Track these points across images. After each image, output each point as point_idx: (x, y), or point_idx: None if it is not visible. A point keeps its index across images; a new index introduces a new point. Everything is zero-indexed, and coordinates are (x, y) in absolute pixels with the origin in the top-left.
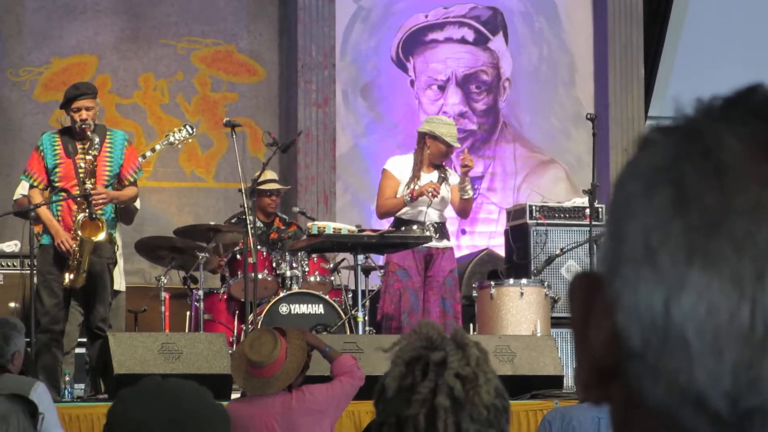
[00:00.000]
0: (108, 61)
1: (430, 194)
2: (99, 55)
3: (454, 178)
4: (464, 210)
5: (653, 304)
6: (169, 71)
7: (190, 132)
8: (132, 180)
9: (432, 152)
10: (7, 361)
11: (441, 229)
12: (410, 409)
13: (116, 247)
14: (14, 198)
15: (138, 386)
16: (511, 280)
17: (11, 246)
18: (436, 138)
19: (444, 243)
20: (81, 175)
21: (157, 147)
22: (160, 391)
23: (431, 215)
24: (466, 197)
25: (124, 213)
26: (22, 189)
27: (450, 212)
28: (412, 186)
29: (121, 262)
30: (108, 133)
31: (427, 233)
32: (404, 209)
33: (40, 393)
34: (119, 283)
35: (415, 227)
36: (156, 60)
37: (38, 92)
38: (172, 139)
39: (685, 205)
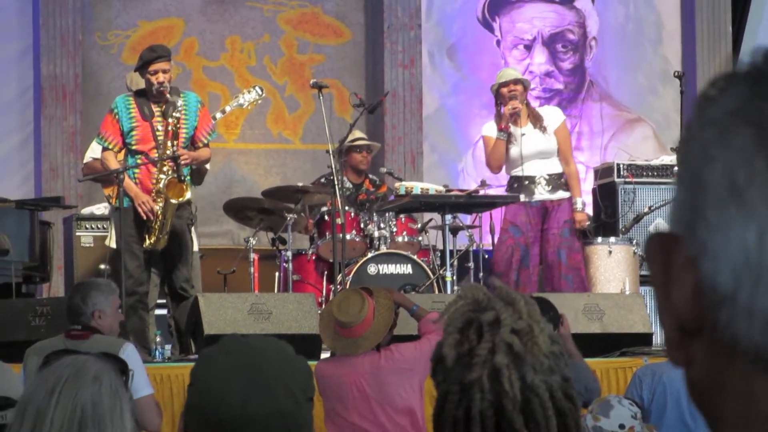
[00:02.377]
0: (195, 23)
1: (511, 111)
2: (185, 18)
3: (554, 119)
4: (567, 160)
5: (746, 241)
6: (256, 33)
7: (260, 93)
8: (205, 142)
9: (503, 101)
10: (88, 319)
11: (555, 181)
12: (473, 373)
13: (194, 208)
14: (84, 161)
15: (219, 345)
16: (600, 239)
17: (101, 209)
18: (498, 86)
19: (558, 195)
20: (159, 138)
21: (227, 109)
22: (241, 348)
23: (539, 168)
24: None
25: (195, 174)
26: (92, 152)
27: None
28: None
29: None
30: (182, 95)
31: (537, 188)
32: (511, 166)
33: (129, 353)
34: (195, 243)
35: (526, 182)
36: (242, 22)
37: (126, 55)
38: (241, 100)
39: (766, 141)
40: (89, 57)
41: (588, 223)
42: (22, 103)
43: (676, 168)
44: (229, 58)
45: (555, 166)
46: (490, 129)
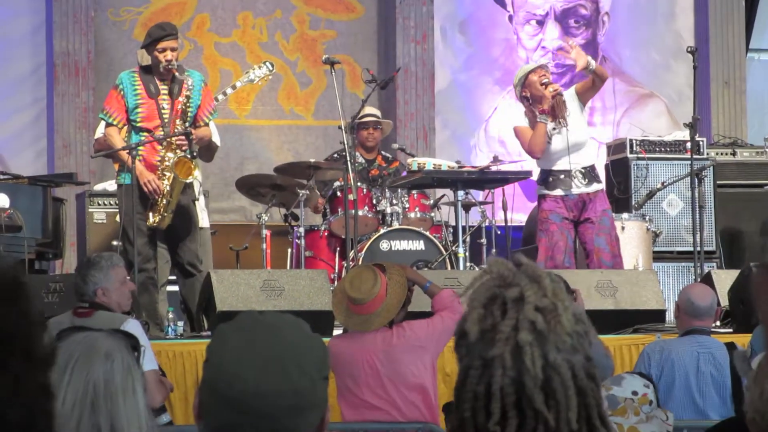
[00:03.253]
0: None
1: (554, 93)
2: None
3: (571, 98)
4: (602, 77)
5: None
6: (267, 9)
7: (270, 69)
8: (207, 121)
9: (534, 89)
10: (91, 297)
11: (590, 174)
12: (495, 349)
13: (198, 184)
14: (95, 137)
15: (235, 321)
16: (613, 215)
17: (113, 185)
18: (527, 78)
19: (594, 187)
20: (165, 116)
21: (237, 84)
22: (257, 324)
23: (573, 162)
24: (593, 69)
25: (206, 151)
26: (103, 128)
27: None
28: (538, 120)
29: (201, 199)
30: (186, 73)
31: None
32: (547, 161)
33: (130, 328)
34: (202, 219)
35: (562, 176)
36: None
37: (138, 32)
38: (252, 76)
39: None
40: (101, 33)
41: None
42: (35, 80)
43: (690, 143)
44: (240, 34)
45: (587, 158)
46: (521, 121)
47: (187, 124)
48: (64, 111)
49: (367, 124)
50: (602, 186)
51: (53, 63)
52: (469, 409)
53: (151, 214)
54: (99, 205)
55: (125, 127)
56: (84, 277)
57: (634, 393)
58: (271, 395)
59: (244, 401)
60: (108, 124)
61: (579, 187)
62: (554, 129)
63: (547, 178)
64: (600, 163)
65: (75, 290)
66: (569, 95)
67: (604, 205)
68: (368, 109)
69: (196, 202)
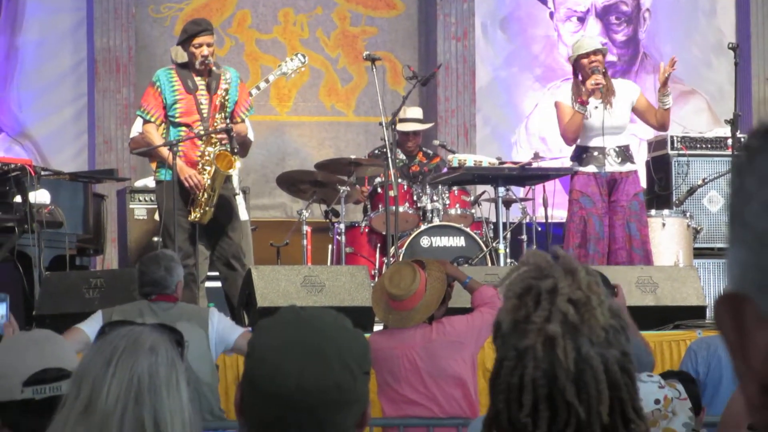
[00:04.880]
0: None
1: (594, 86)
2: None
3: (630, 93)
4: (664, 123)
5: None
6: (308, 6)
7: (303, 61)
8: (243, 117)
9: (583, 72)
10: (172, 291)
11: (623, 153)
12: (527, 340)
13: (238, 180)
14: (131, 136)
15: (277, 316)
16: (653, 211)
17: (153, 181)
18: (579, 56)
19: (627, 167)
20: (204, 111)
21: (271, 78)
22: (299, 320)
23: (608, 141)
24: (665, 107)
25: (241, 146)
26: (139, 126)
27: (636, 131)
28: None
29: (240, 194)
30: (223, 69)
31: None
32: (582, 138)
33: (216, 313)
34: (242, 213)
35: (596, 153)
36: None
37: (178, 28)
38: (285, 69)
39: None
40: (142, 30)
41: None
42: (76, 76)
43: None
44: (281, 30)
45: (623, 139)
46: (565, 96)
47: (226, 118)
48: (105, 107)
49: (408, 132)
50: (635, 167)
51: (94, 59)
52: (503, 400)
53: (192, 209)
54: (140, 201)
55: (162, 124)
56: (170, 270)
57: (657, 401)
58: (313, 390)
59: (286, 396)
60: (146, 121)
61: (612, 165)
62: (596, 107)
63: (581, 154)
64: (641, 160)
65: (154, 283)
66: (630, 89)
67: (636, 188)
68: (410, 111)
69: (236, 196)
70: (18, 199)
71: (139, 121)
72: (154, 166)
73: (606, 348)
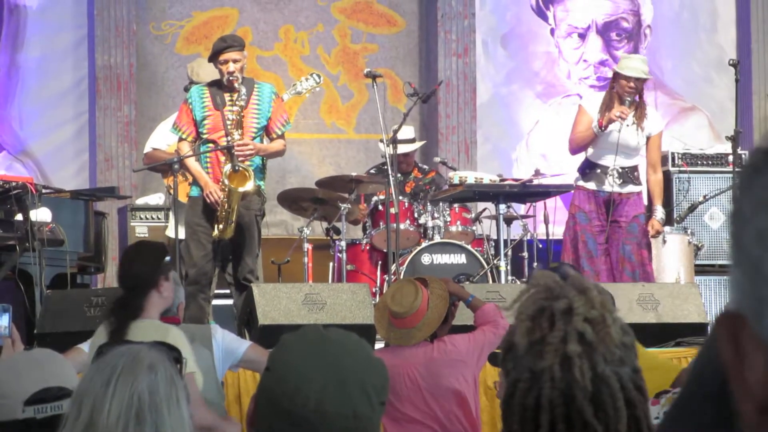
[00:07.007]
0: (248, 13)
1: (618, 117)
2: (239, 8)
3: (654, 126)
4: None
5: None
6: (309, 23)
7: (317, 81)
8: (279, 133)
9: (619, 88)
10: (174, 313)
11: (626, 175)
12: (544, 362)
13: (264, 200)
14: (144, 152)
15: (300, 334)
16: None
17: (155, 199)
18: (620, 73)
19: (628, 188)
20: (229, 127)
21: (285, 96)
22: (323, 340)
23: (618, 161)
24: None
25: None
26: (153, 143)
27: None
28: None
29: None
30: (256, 86)
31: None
32: (593, 151)
33: (219, 330)
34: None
35: (598, 171)
36: (296, 12)
37: (180, 45)
38: (299, 88)
39: None
40: (143, 47)
41: (662, 234)
42: (77, 94)
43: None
44: (282, 47)
45: (633, 161)
46: (589, 101)
47: (252, 136)
48: (106, 125)
49: (400, 154)
50: (639, 189)
51: (95, 77)
52: (517, 421)
53: (215, 225)
54: (141, 219)
55: (196, 141)
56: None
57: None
58: (331, 415)
59: (304, 416)
60: (180, 139)
61: (612, 186)
62: (627, 126)
63: (585, 169)
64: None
65: None
66: (655, 123)
67: (636, 210)
68: (401, 132)
69: (261, 217)
70: (19, 217)
71: (153, 136)
72: (167, 182)
73: (620, 366)
